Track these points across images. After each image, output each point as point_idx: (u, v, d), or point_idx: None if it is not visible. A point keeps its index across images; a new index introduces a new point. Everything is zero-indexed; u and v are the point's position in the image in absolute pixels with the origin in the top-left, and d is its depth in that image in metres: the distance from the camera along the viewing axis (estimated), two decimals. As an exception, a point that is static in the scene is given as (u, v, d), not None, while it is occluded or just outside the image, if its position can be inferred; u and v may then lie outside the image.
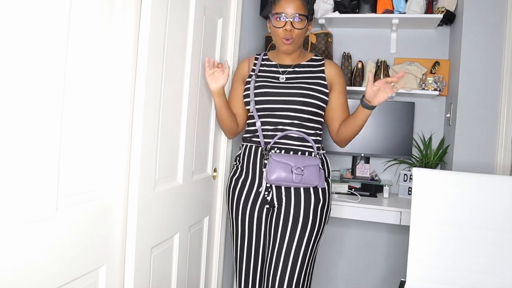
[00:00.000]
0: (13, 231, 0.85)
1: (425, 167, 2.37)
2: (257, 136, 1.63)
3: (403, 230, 2.36)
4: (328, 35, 2.41)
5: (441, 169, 2.42)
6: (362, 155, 2.45)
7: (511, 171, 2.08)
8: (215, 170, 1.83)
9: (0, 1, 0.78)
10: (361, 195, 2.34)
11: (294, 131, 1.58)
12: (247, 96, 1.65)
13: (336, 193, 2.35)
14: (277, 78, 1.65)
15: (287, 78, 1.64)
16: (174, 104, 1.44)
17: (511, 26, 2.06)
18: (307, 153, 1.60)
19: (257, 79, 1.66)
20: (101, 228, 1.14)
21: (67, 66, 0.96)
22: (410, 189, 2.38)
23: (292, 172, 1.51)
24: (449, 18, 2.30)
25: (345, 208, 2.20)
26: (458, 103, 2.16)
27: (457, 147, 2.17)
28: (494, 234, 1.59)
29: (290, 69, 1.66)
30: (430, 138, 2.49)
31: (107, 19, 1.10)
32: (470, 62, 2.14)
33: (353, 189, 2.40)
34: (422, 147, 2.49)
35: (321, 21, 2.42)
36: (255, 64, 1.72)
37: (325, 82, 1.63)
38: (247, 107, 1.68)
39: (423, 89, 2.34)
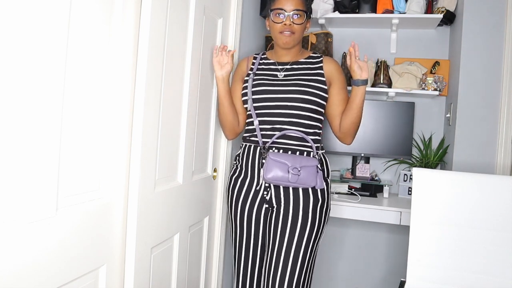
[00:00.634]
0: (13, 231, 0.85)
1: (425, 167, 2.37)
2: (256, 136, 1.63)
3: (403, 230, 2.36)
4: (328, 35, 2.41)
5: (441, 169, 2.42)
6: (362, 155, 2.45)
7: (511, 171, 2.08)
8: (215, 170, 1.83)
9: (0, 1, 0.78)
10: (361, 195, 2.34)
11: (292, 131, 1.58)
12: (245, 94, 1.66)
13: (336, 193, 2.35)
14: (275, 76, 1.65)
15: (285, 75, 1.64)
16: (174, 104, 1.44)
17: (511, 26, 2.06)
18: (305, 153, 1.59)
19: (255, 77, 1.66)
20: (101, 228, 1.14)
21: (67, 66, 0.96)
22: (410, 189, 2.38)
23: (288, 171, 1.51)
24: (449, 18, 2.30)
25: (345, 208, 2.20)
26: (458, 103, 2.16)
27: (457, 147, 2.17)
28: (494, 234, 1.59)
29: (288, 66, 1.66)
30: (430, 138, 2.49)
31: (107, 19, 1.10)
32: (470, 62, 2.14)
33: (353, 189, 2.40)
34: (422, 147, 2.49)
35: (321, 21, 2.42)
36: (253, 63, 1.73)
37: (323, 79, 1.62)
38: (245, 106, 1.68)
39: (423, 89, 2.34)
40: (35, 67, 0.87)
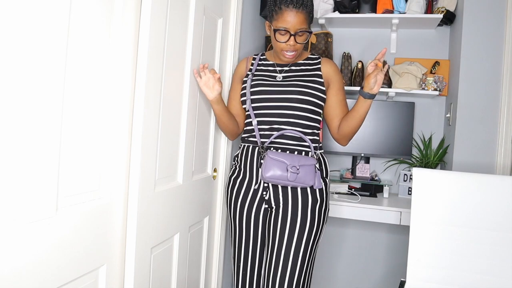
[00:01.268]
0: (13, 231, 0.85)
1: (425, 167, 2.37)
2: (254, 136, 1.63)
3: (403, 230, 2.36)
4: (328, 35, 2.41)
5: (441, 169, 2.42)
6: (362, 155, 2.45)
7: (511, 171, 2.08)
8: (215, 170, 1.83)
9: (0, 2, 0.78)
10: (361, 195, 2.34)
11: (290, 130, 1.58)
12: (244, 95, 1.66)
13: (336, 193, 2.35)
14: (274, 77, 1.65)
15: (284, 77, 1.64)
16: (174, 104, 1.44)
17: (511, 26, 2.06)
18: (303, 152, 1.60)
19: (254, 78, 1.66)
20: (101, 228, 1.14)
21: (67, 66, 0.96)
22: (410, 189, 2.38)
23: (287, 170, 1.51)
24: (449, 18, 2.30)
25: (345, 208, 2.20)
26: (458, 103, 2.16)
27: (457, 147, 2.17)
28: (494, 234, 1.59)
29: (287, 68, 1.66)
30: (430, 138, 2.49)
31: (107, 20, 1.10)
32: (470, 62, 2.14)
33: (353, 189, 2.40)
34: (422, 147, 2.49)
35: (321, 21, 2.42)
36: (252, 64, 1.73)
37: (322, 80, 1.63)
38: (244, 106, 1.68)
39: (423, 89, 2.34)
40: (35, 68, 0.87)
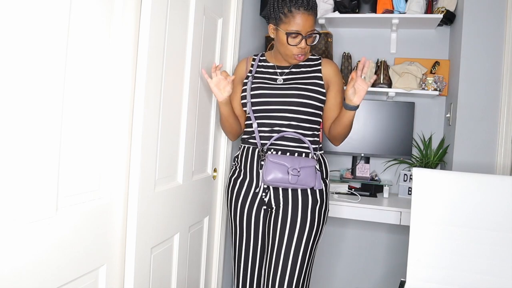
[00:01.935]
0: (13, 231, 0.85)
1: (425, 167, 2.37)
2: (254, 138, 1.63)
3: (403, 230, 2.36)
4: (328, 35, 2.41)
5: (441, 169, 2.42)
6: (362, 155, 2.45)
7: (511, 171, 2.08)
8: (215, 170, 1.83)
9: (0, 2, 0.78)
10: (361, 195, 2.34)
11: (290, 132, 1.58)
12: (244, 97, 1.65)
13: (336, 193, 2.35)
14: (275, 80, 1.64)
15: (284, 80, 1.63)
16: (174, 104, 1.44)
17: (511, 26, 2.06)
18: (303, 154, 1.60)
19: (254, 80, 1.65)
20: (101, 228, 1.14)
21: (67, 66, 0.96)
22: (410, 189, 2.38)
23: (288, 173, 1.51)
24: (449, 18, 2.30)
25: (345, 208, 2.20)
26: (458, 103, 2.16)
27: (457, 147, 2.17)
28: (494, 234, 1.59)
29: (287, 70, 1.66)
30: (430, 138, 2.49)
31: (107, 20, 1.10)
32: (470, 62, 2.14)
33: (353, 189, 2.40)
34: (422, 147, 2.49)
35: (321, 21, 2.42)
36: (252, 65, 1.71)
37: (322, 82, 1.62)
38: (244, 109, 1.68)
39: (423, 89, 2.34)
40: (35, 68, 0.87)
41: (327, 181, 1.64)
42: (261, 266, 1.68)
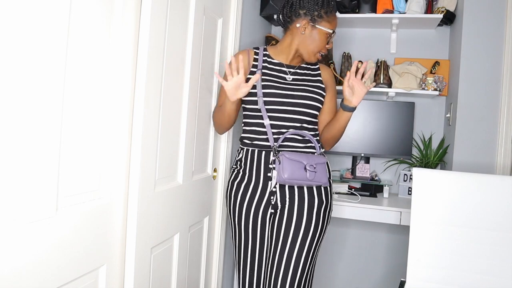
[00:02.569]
0: (13, 231, 0.85)
1: (425, 167, 2.37)
2: (259, 139, 1.60)
3: (403, 230, 2.36)
4: (328, 35, 2.41)
5: (441, 169, 2.42)
6: (362, 155, 2.45)
7: (511, 171, 2.08)
8: (215, 170, 1.83)
9: (0, 2, 0.78)
10: (361, 195, 2.34)
11: (299, 132, 1.59)
12: (253, 94, 1.58)
13: (336, 193, 2.35)
14: (284, 78, 1.63)
15: (293, 79, 1.64)
16: (174, 104, 1.44)
17: (511, 26, 2.06)
18: (310, 153, 1.60)
19: (264, 77, 1.61)
20: (101, 228, 1.14)
21: (67, 66, 0.96)
22: (410, 189, 2.38)
23: (306, 169, 1.50)
24: (449, 18, 2.30)
25: (345, 208, 2.20)
26: (458, 103, 2.16)
27: (457, 147, 2.17)
28: (494, 234, 1.59)
29: (293, 70, 1.66)
30: (430, 138, 2.49)
31: (107, 20, 1.10)
32: (470, 62, 2.14)
33: (353, 189, 2.40)
34: (422, 147, 2.49)
35: (321, 21, 2.42)
36: (255, 60, 1.66)
37: (323, 86, 1.67)
38: (249, 106, 1.62)
39: (423, 89, 2.34)
40: (35, 68, 0.87)
41: (330, 180, 1.65)
42: (267, 268, 1.66)
